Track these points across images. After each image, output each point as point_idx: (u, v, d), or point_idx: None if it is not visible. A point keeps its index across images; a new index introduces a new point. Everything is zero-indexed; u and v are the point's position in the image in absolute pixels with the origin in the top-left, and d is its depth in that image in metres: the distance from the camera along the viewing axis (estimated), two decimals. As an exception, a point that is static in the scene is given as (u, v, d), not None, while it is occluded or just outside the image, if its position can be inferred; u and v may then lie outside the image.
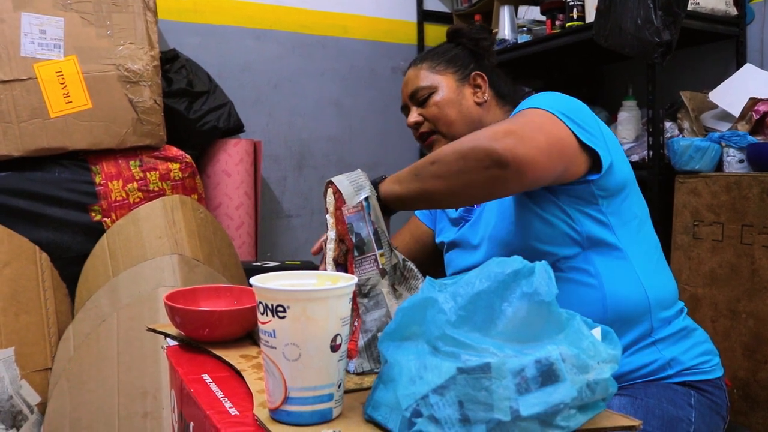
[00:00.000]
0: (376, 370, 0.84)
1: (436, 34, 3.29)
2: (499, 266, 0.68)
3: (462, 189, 0.94)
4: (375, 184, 0.98)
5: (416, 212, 1.42)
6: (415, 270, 0.93)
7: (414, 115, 1.27)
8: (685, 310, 1.15)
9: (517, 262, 0.68)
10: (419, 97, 1.26)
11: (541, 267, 0.68)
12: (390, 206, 0.99)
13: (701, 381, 1.08)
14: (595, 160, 1.03)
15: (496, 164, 0.89)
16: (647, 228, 1.14)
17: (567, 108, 1.02)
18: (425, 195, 0.96)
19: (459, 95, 1.25)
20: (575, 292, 1.05)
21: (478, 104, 1.25)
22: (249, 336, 1.00)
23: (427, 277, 0.73)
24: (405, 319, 0.69)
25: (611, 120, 2.56)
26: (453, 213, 1.28)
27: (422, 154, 3.20)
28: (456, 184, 0.94)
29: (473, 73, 1.26)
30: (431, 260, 1.37)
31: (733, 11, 2.31)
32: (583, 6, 2.40)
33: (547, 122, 0.98)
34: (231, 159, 2.48)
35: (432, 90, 1.25)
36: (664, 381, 1.06)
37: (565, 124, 0.99)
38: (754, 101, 2.00)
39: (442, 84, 1.25)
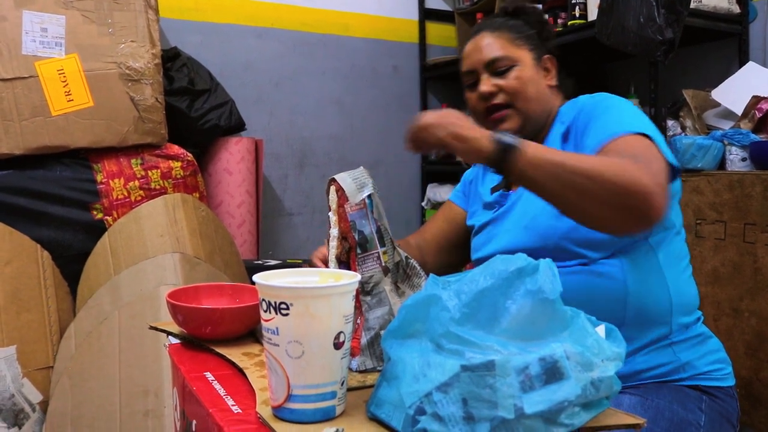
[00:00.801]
0: (378, 368, 0.84)
1: (437, 32, 3.28)
2: (503, 264, 0.68)
3: (593, 214, 0.92)
4: (511, 147, 0.90)
5: (452, 196, 1.39)
6: (418, 268, 0.93)
7: (488, 84, 1.18)
8: (702, 318, 1.15)
9: (521, 259, 0.68)
10: (498, 67, 1.18)
11: (545, 264, 0.68)
12: (512, 177, 0.93)
13: (713, 387, 1.08)
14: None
15: (644, 214, 0.88)
16: (681, 237, 1.14)
17: (655, 130, 1.02)
18: (554, 196, 0.92)
19: (537, 74, 1.20)
20: (597, 285, 1.05)
21: (549, 87, 1.22)
22: (251, 334, 1.00)
23: (431, 274, 0.73)
24: (408, 316, 0.69)
25: (613, 118, 2.55)
26: (487, 197, 1.26)
27: (424, 154, 3.19)
28: (593, 208, 0.91)
29: (545, 56, 1.23)
30: (463, 242, 1.33)
31: (736, 9, 2.31)
32: (585, 4, 2.40)
33: (662, 163, 0.96)
34: (232, 157, 2.48)
35: (514, 63, 1.18)
36: (676, 383, 1.06)
37: (663, 156, 0.99)
38: (756, 99, 1.99)
39: (523, 59, 1.19)
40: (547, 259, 0.70)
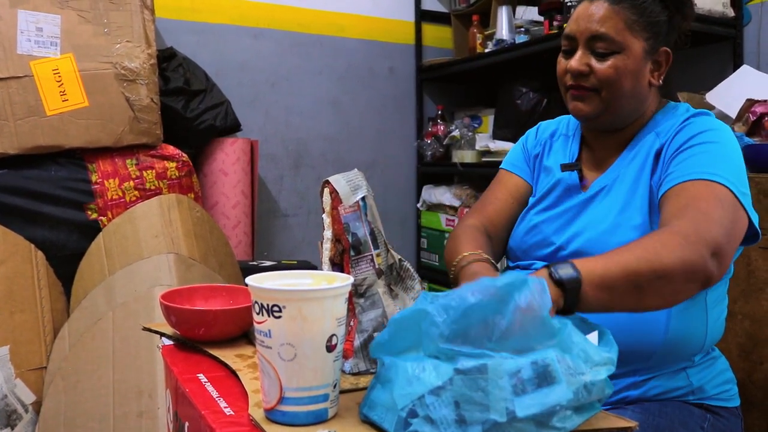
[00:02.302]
0: (372, 370, 0.84)
1: (434, 33, 3.28)
2: (492, 279, 0.67)
3: (667, 305, 0.91)
4: (567, 281, 0.80)
5: (511, 167, 1.26)
6: (412, 270, 0.93)
7: (581, 62, 1.06)
8: None
9: (510, 275, 0.68)
10: (598, 47, 1.05)
11: (535, 281, 0.68)
12: (578, 310, 0.82)
13: (719, 407, 1.08)
14: None
15: (703, 286, 0.88)
16: (728, 278, 1.10)
17: (743, 182, 0.97)
18: (635, 309, 0.87)
19: (641, 69, 1.06)
20: (640, 316, 0.98)
21: (650, 86, 1.09)
22: (245, 335, 1.00)
23: (423, 291, 0.73)
24: (398, 331, 0.69)
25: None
26: (557, 172, 1.17)
27: (420, 155, 3.20)
28: (671, 302, 0.89)
29: (662, 49, 1.07)
30: None
31: (730, 13, 2.32)
32: (580, 7, 2.39)
33: (739, 221, 0.94)
34: (228, 158, 2.47)
35: (618, 49, 1.04)
36: (682, 401, 1.05)
37: (745, 211, 0.95)
38: (750, 102, 2.00)
39: (632, 48, 1.04)
40: (541, 278, 0.69)
